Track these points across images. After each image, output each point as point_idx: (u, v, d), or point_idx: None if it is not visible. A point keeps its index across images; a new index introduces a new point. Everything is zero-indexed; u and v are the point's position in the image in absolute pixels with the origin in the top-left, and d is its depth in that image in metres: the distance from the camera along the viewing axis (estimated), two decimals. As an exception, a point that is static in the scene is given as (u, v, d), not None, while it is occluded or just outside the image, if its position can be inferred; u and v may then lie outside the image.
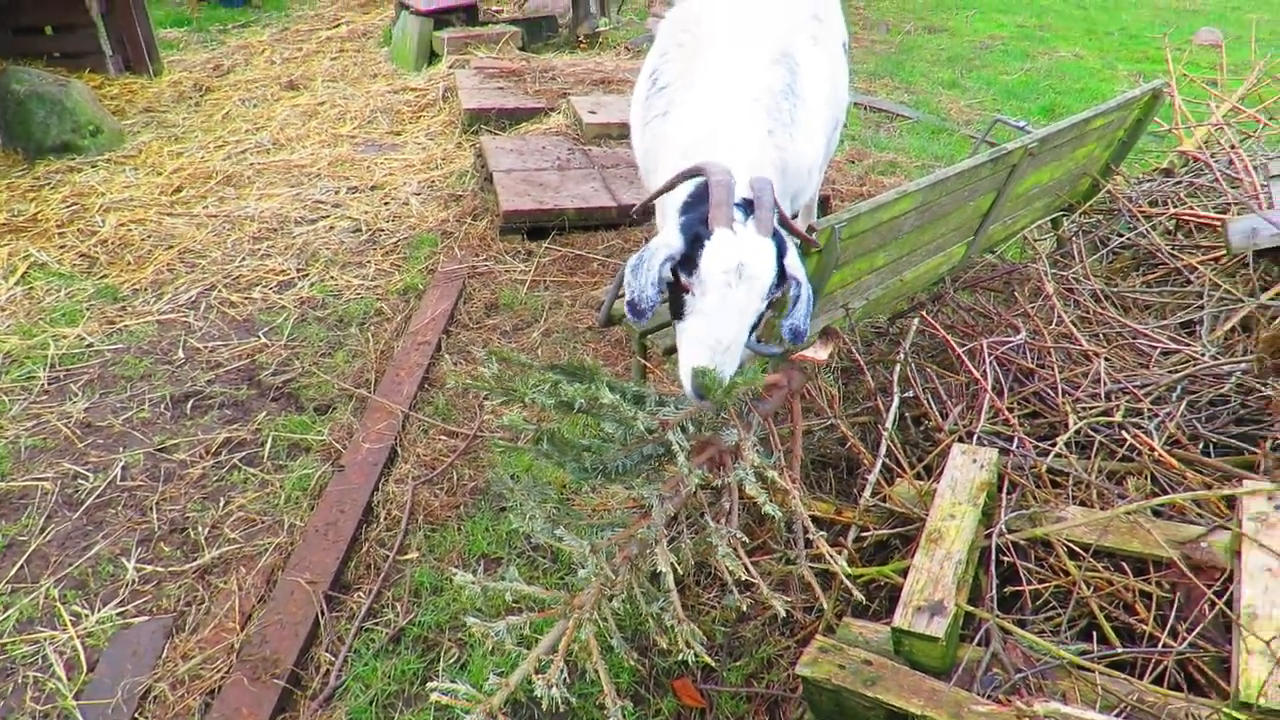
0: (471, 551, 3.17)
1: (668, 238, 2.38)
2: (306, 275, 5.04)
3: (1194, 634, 2.18)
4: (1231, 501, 2.47)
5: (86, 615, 2.94)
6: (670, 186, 2.57)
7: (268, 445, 3.70)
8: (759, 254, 2.34)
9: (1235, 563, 2.24)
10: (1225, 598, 2.20)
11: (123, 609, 2.97)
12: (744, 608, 2.74)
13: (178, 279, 4.96)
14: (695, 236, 2.35)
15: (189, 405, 3.96)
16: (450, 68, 8.09)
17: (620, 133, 6.34)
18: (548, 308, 4.73)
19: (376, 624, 2.91)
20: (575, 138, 6.45)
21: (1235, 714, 1.91)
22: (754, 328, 2.45)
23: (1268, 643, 1.92)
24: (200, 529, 3.28)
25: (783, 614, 2.25)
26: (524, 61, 8.13)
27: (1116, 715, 1.95)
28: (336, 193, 6.02)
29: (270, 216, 5.66)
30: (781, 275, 2.41)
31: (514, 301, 4.78)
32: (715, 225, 2.32)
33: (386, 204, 5.90)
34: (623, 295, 3.51)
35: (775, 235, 2.38)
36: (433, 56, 8.64)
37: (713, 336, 2.33)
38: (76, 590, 3.04)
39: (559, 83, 7.53)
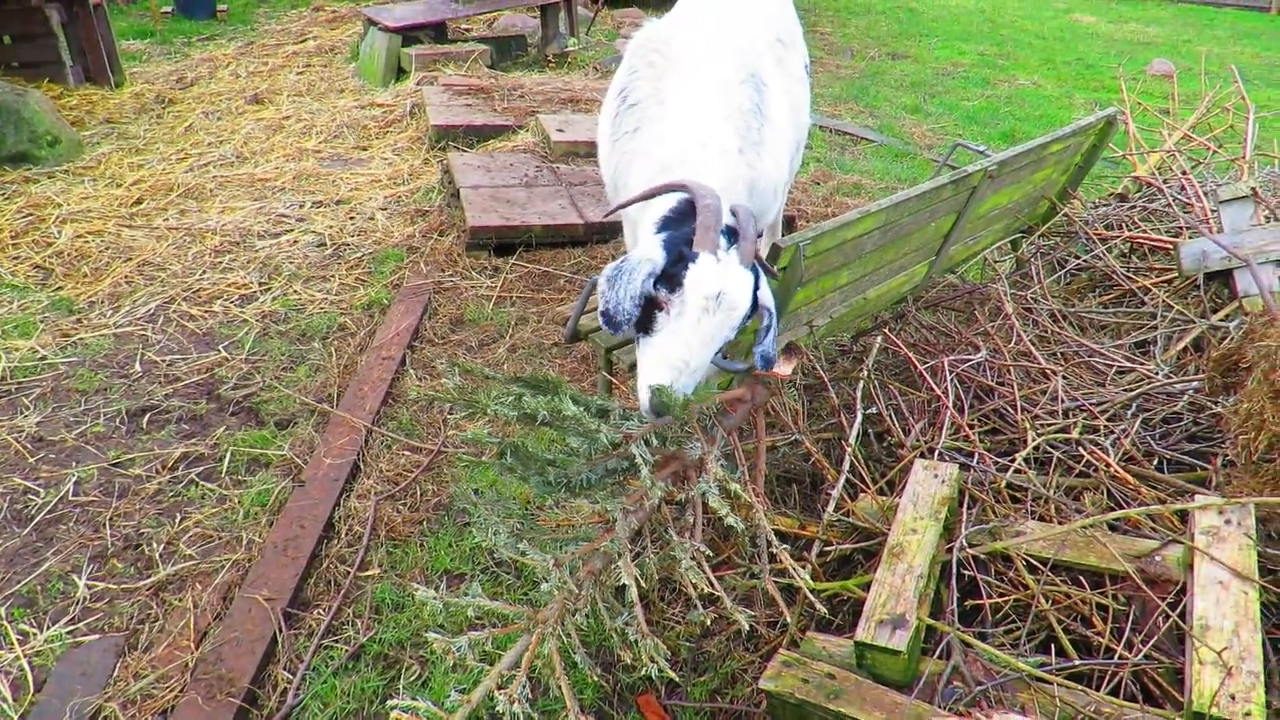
0: (434, 568, 3.13)
1: (650, 252, 2.39)
2: (269, 289, 4.98)
3: (1149, 646, 2.22)
4: (1184, 516, 2.52)
5: (35, 634, 2.85)
6: (648, 197, 2.59)
7: (226, 460, 3.64)
8: (739, 284, 2.37)
9: (1188, 576, 2.29)
10: (1179, 610, 2.25)
11: (73, 627, 2.89)
12: (708, 622, 2.74)
13: (136, 291, 4.88)
14: (679, 256, 2.36)
15: (145, 419, 3.88)
16: (418, 84, 8.08)
17: (588, 151, 6.37)
18: (514, 324, 4.72)
19: (336, 641, 2.87)
20: (543, 155, 6.47)
21: (1189, 724, 1.94)
22: (719, 351, 2.47)
23: (1219, 653, 1.96)
24: (155, 545, 3.21)
25: (747, 628, 2.25)
26: (492, 79, 8.15)
27: (1074, 726, 1.98)
28: (301, 207, 5.97)
29: (232, 230, 5.59)
30: (754, 304, 2.44)
31: (480, 317, 4.77)
32: (701, 249, 2.34)
33: (352, 219, 5.86)
34: (590, 310, 3.53)
35: (753, 266, 2.42)
36: (400, 73, 8.62)
37: (680, 358, 2.34)
38: (24, 608, 2.95)
39: (527, 101, 7.55)
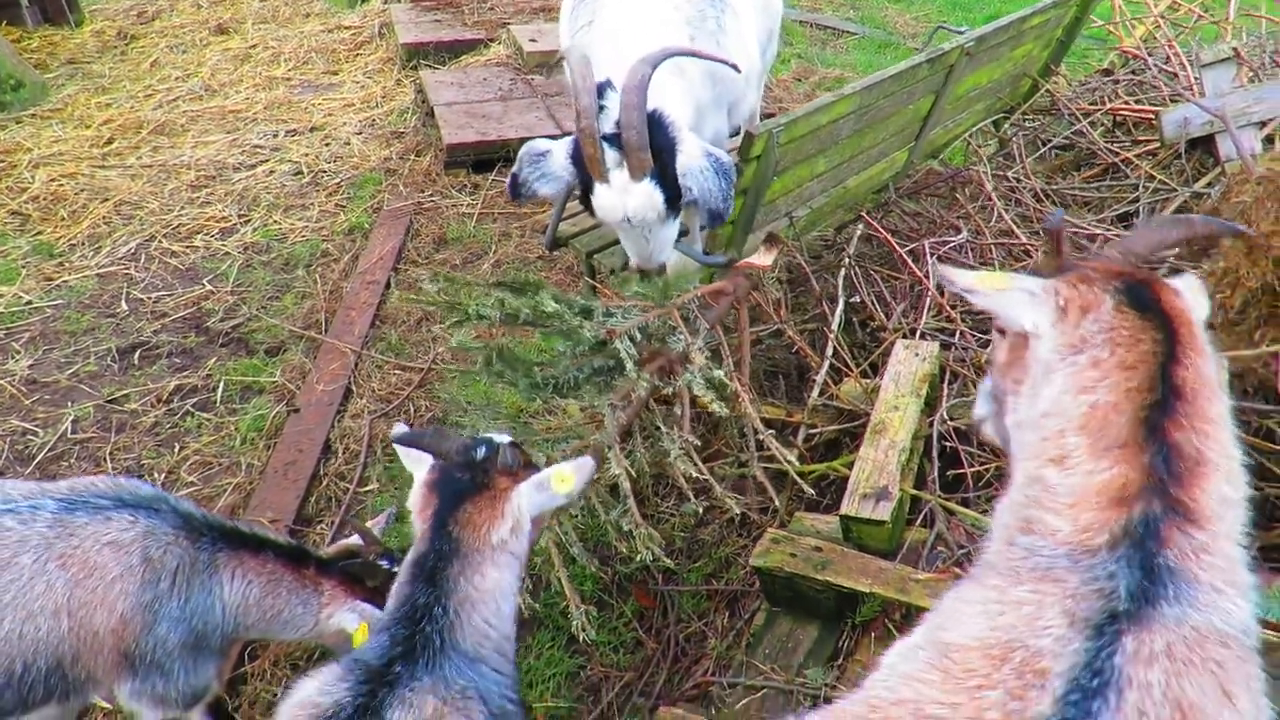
0: (432, 479, 3.19)
1: (559, 166, 2.41)
2: (249, 221, 4.94)
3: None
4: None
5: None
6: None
7: (219, 390, 3.67)
8: (638, 200, 2.38)
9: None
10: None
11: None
12: (700, 511, 2.81)
13: (115, 232, 4.84)
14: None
15: (136, 356, 3.90)
16: (385, 3, 7.84)
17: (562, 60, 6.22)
18: (497, 239, 4.69)
19: (341, 554, 2.94)
20: (517, 68, 6.32)
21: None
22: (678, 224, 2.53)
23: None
24: (157, 475, 3.26)
25: (737, 512, 2.31)
26: (461, -7, 7.89)
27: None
28: (275, 136, 5.87)
29: (207, 164, 5.51)
30: (675, 188, 2.43)
31: (463, 235, 4.74)
32: (592, 176, 2.36)
33: (327, 145, 5.77)
34: (568, 215, 3.51)
35: (658, 154, 2.37)
36: (366, -8, 8.36)
37: (636, 253, 2.39)
38: (35, 542, 3.02)
39: (498, 13, 7.34)
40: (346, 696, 1.43)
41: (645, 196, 2.35)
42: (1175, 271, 3.07)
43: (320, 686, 1.47)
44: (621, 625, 2.70)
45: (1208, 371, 1.15)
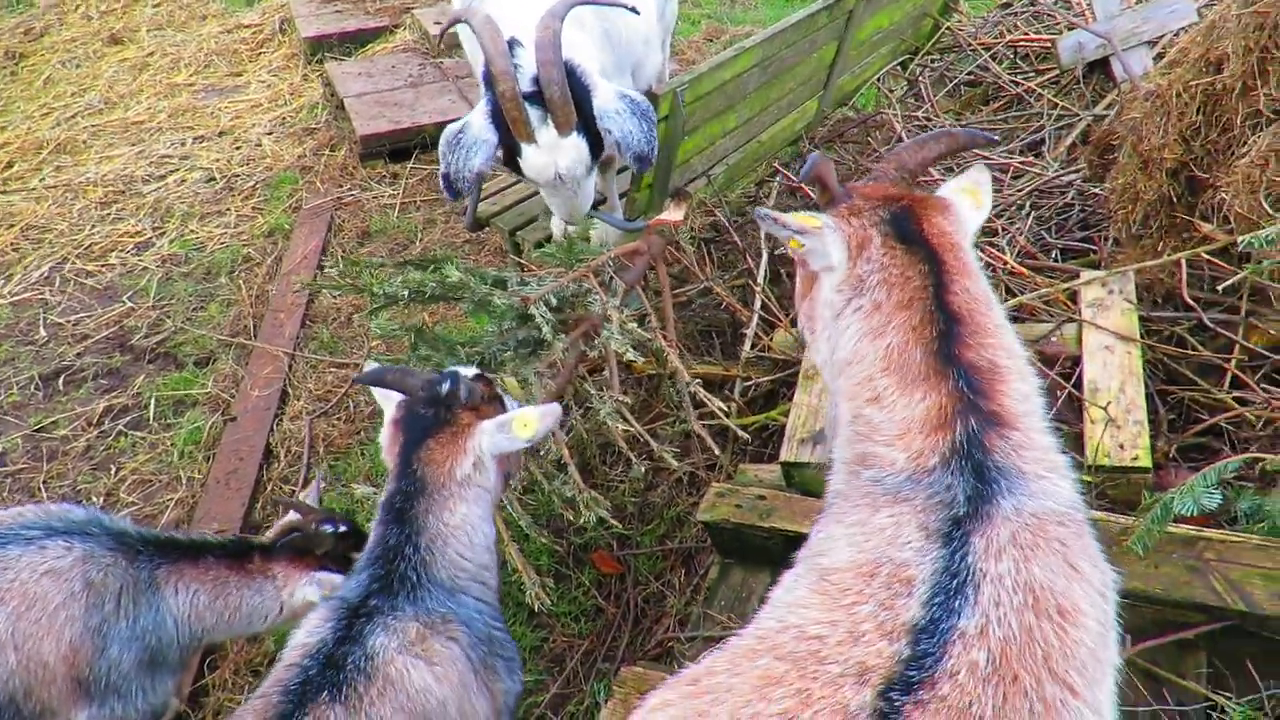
0: (378, 472, 3.17)
1: (481, 132, 2.36)
2: (164, 233, 4.81)
3: (1052, 417, 2.35)
4: (1076, 297, 2.64)
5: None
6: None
7: (151, 407, 3.59)
8: (569, 156, 2.37)
9: (1081, 349, 2.42)
10: (1074, 381, 2.38)
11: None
12: (648, 473, 2.85)
13: (25, 258, 4.68)
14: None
15: (60, 381, 3.79)
16: (283, -3, 7.63)
17: (471, 41, 6.13)
18: (421, 228, 4.64)
19: (293, 557, 2.92)
20: (425, 53, 6.22)
21: (1088, 478, 2.09)
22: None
23: (1105, 408, 2.10)
24: (95, 498, 3.19)
25: (676, 466, 2.35)
26: (361, -19, 7.71)
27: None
28: (182, 144, 5.70)
29: (115, 179, 5.34)
30: (597, 136, 2.42)
31: (386, 227, 4.68)
32: (519, 139, 2.33)
33: (238, 148, 5.63)
34: (487, 195, 3.48)
35: (577, 105, 2.36)
36: (263, -12, 8.12)
37: (563, 211, 2.37)
38: (-26, 581, 2.94)
39: (400, -2, 7.20)
40: (329, 633, 1.50)
41: (575, 151, 2.34)
42: (1085, 197, 3.18)
43: (308, 629, 1.54)
44: (581, 594, 2.73)
45: (977, 289, 1.24)
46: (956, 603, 0.98)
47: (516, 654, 1.74)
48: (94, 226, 4.90)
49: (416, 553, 1.62)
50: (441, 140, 2.33)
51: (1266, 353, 2.30)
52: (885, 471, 1.13)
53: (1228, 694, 1.71)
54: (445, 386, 1.74)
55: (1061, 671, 0.96)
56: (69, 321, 4.17)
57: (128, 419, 3.56)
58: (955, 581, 1.00)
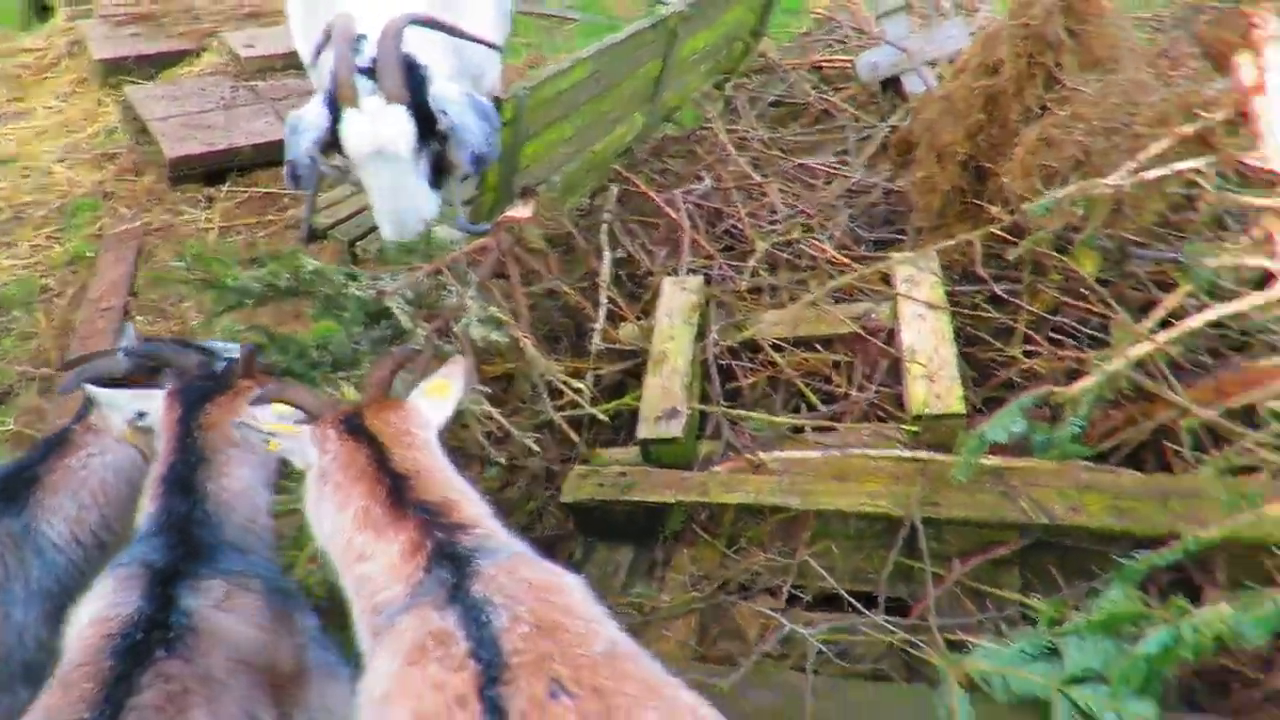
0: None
1: (314, 115, 2.35)
2: (-57, 267, 4.35)
3: (875, 382, 2.59)
4: (890, 280, 2.92)
5: None
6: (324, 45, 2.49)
7: (-59, 449, 3.24)
8: (390, 126, 2.34)
9: (897, 322, 2.67)
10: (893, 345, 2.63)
11: None
12: (504, 466, 2.86)
13: None
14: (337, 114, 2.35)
15: None
16: (70, 19, 7.12)
17: (285, 64, 5.95)
18: (243, 251, 4.44)
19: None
20: (236, 74, 5.98)
21: (911, 427, 2.32)
22: (438, 168, 2.51)
23: (924, 364, 2.34)
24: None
25: (537, 452, 2.39)
26: (155, 4, 7.32)
27: (827, 450, 2.30)
28: (-41, 174, 5.19)
29: (-123, 211, 4.78)
30: (430, 118, 2.42)
31: (202, 251, 4.43)
32: (343, 104, 2.32)
33: (26, 176, 5.18)
34: (322, 207, 3.41)
35: (413, 91, 2.38)
36: (45, 10, 7.56)
37: (390, 209, 2.38)
38: None
39: (204, 21, 6.88)
40: (142, 602, 1.50)
41: (398, 122, 2.33)
42: (889, 195, 3.50)
43: (109, 600, 1.51)
44: (444, 596, 2.69)
45: (423, 457, 1.54)
46: (486, 616, 1.24)
47: (302, 597, 1.81)
48: None
49: (208, 518, 1.69)
50: (285, 130, 2.29)
51: (1046, 315, 2.64)
52: (395, 606, 1.33)
53: (1037, 594, 1.97)
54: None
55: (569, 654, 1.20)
56: None
57: (-89, 463, 3.18)
58: (479, 609, 1.25)
